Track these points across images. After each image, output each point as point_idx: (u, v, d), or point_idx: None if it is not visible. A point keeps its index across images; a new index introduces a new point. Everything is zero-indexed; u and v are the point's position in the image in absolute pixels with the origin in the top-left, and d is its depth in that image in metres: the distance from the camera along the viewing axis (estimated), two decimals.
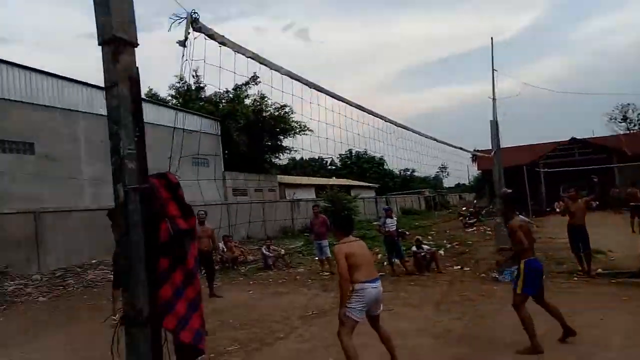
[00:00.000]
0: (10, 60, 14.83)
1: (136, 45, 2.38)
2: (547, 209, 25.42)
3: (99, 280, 11.78)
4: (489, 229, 18.73)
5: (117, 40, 2.26)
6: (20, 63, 15.18)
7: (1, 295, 10.09)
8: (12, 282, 10.97)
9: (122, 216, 2.22)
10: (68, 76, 16.84)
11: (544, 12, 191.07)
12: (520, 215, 15.60)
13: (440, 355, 5.11)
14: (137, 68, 2.39)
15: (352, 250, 4.43)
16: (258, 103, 27.89)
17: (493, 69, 17.42)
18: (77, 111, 16.80)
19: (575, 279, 8.68)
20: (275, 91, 4.23)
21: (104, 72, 2.31)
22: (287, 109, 27.38)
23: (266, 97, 27.18)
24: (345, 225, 4.77)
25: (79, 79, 17.13)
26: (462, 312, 6.76)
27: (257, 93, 27.68)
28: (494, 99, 17.04)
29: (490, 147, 15.67)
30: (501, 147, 17.51)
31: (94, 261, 13.51)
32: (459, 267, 10.91)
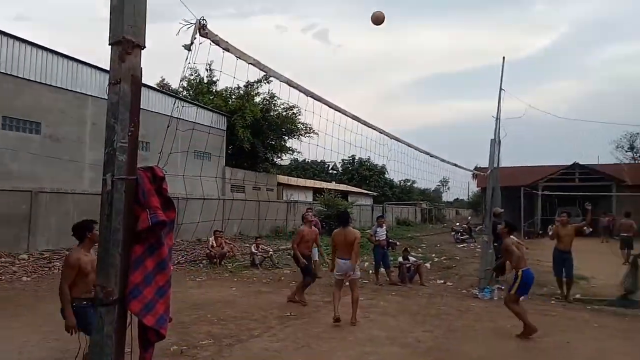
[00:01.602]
0: (25, 38, 14.93)
1: (143, 47, 2.61)
2: (540, 232, 25.58)
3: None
4: (479, 246, 18.88)
5: (126, 42, 2.47)
6: (35, 42, 15.30)
7: None
8: None
9: (108, 204, 2.44)
10: (82, 59, 17.06)
11: (563, 35, 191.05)
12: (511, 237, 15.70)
13: None
14: (141, 69, 2.61)
15: (335, 237, 7.07)
16: (267, 102, 28.13)
17: (501, 89, 17.64)
18: (87, 95, 17.06)
19: (553, 302, 8.87)
20: (285, 92, 4.37)
21: (110, 69, 2.53)
22: (295, 110, 27.66)
23: (276, 96, 27.38)
24: (341, 219, 7.29)
25: (92, 63, 17.39)
26: (436, 325, 6.94)
27: (267, 92, 27.92)
28: (497, 119, 17.24)
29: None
30: (501, 166, 17.68)
31: None
32: (442, 281, 11.10)
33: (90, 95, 17.11)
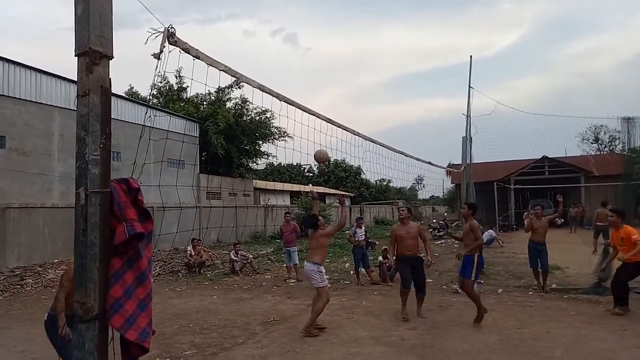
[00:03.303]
0: None
1: (111, 57, 2.54)
2: (514, 225, 26.15)
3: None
4: (456, 242, 19.16)
5: (93, 53, 2.40)
6: None
7: None
8: None
9: (82, 218, 2.37)
10: (46, 70, 16.61)
11: (529, 31, 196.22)
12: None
13: None
14: (110, 79, 2.55)
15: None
16: (240, 107, 27.92)
17: (470, 87, 17.98)
18: (54, 106, 16.61)
19: (531, 293, 9.06)
20: (257, 96, 4.36)
21: (78, 81, 2.46)
22: (268, 114, 27.53)
23: (248, 101, 27.13)
24: (307, 223, 6.94)
25: (57, 73, 16.93)
26: (420, 322, 6.99)
27: (239, 96, 27.73)
28: (468, 116, 17.58)
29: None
30: (474, 162, 17.98)
31: (56, 260, 13.25)
32: None
33: (57, 107, 16.66)
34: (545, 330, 6.28)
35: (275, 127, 28.68)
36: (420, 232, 7.47)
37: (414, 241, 7.33)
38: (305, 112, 5.48)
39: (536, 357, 5.28)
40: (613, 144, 48.63)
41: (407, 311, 7.19)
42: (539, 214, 9.69)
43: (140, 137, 3.52)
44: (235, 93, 27.62)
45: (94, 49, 2.38)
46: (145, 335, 2.32)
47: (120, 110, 18.90)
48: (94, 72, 2.42)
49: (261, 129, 28.66)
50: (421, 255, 7.55)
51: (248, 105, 27.56)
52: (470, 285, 6.85)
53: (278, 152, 37.03)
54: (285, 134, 27.52)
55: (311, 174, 50.13)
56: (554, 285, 9.47)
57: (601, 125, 49.66)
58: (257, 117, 28.37)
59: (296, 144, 6.16)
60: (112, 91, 2.62)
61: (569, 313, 7.33)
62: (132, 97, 25.92)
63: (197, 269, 12.48)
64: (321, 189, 39.03)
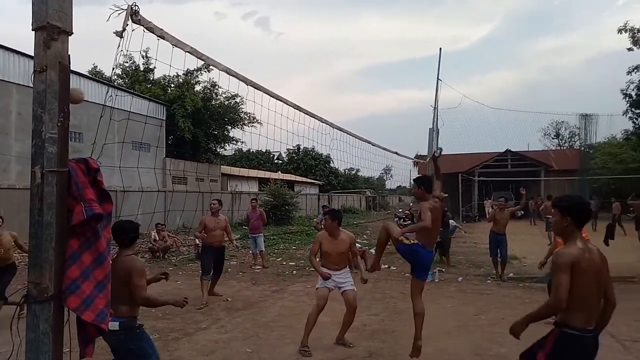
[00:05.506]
0: None
1: (70, 33, 2.45)
2: (477, 216, 26.92)
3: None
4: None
5: (51, 28, 2.31)
6: None
7: None
8: None
9: (38, 197, 2.30)
10: (3, 44, 15.79)
11: (500, 25, 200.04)
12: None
13: (352, 348, 5.41)
14: (69, 56, 2.46)
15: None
16: (208, 91, 27.42)
17: (438, 79, 18.28)
18: (11, 82, 15.85)
19: (489, 281, 9.40)
20: (225, 81, 4.25)
21: (35, 57, 2.37)
22: (237, 99, 27.17)
23: (217, 85, 26.73)
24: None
25: (16, 48, 16.13)
26: (382, 309, 7.16)
27: (208, 80, 27.21)
28: (435, 108, 17.89)
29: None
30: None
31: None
32: (386, 266, 11.39)
33: (15, 83, 15.91)
34: (501, 317, 6.53)
35: (245, 113, 28.39)
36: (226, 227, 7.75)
37: (222, 233, 7.74)
38: (272, 97, 5.42)
39: (491, 342, 5.50)
40: (572, 139, 50.59)
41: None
42: (502, 205, 10.01)
43: (101, 117, 3.41)
44: (204, 77, 27.13)
45: (52, 24, 2.29)
46: (102, 317, 2.29)
47: (83, 90, 18.24)
48: (52, 48, 2.33)
49: (230, 114, 28.29)
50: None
51: (217, 89, 27.16)
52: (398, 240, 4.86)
53: (247, 138, 36.87)
54: (255, 120, 27.30)
55: (280, 162, 49.98)
56: (511, 275, 9.84)
57: (562, 122, 51.59)
58: (227, 102, 27.97)
59: (265, 130, 6.10)
60: (75, 69, 2.54)
61: (523, 301, 7.64)
62: (96, 76, 25.05)
63: (161, 254, 12.31)
64: (289, 176, 38.98)
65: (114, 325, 3.25)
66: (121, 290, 3.34)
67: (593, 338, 2.80)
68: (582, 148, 26.99)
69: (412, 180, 6.42)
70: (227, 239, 8.35)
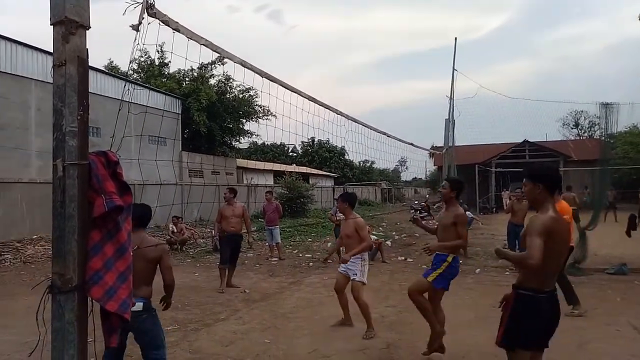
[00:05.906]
0: None
1: (88, 27, 2.47)
2: (494, 207, 26.62)
3: (39, 256, 11.45)
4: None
5: (69, 22, 2.33)
6: None
7: None
8: None
9: (60, 190, 2.33)
10: (24, 41, 16.05)
11: (515, 14, 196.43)
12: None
13: (370, 340, 5.42)
14: (87, 50, 2.48)
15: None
16: (223, 84, 27.51)
17: (454, 69, 18.04)
18: (30, 79, 16.13)
19: (507, 273, 9.29)
20: (240, 73, 4.25)
21: (54, 51, 2.39)
22: (252, 92, 27.23)
23: (231, 78, 26.76)
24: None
25: (36, 45, 16.39)
26: (399, 300, 7.12)
27: (222, 73, 27.30)
28: (451, 99, 17.67)
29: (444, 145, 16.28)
30: (457, 145, 18.10)
31: (35, 236, 13.06)
32: (403, 258, 11.38)
33: (34, 79, 16.18)
34: None
35: (259, 106, 28.44)
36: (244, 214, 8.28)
37: (239, 220, 8.20)
38: (288, 89, 5.40)
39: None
40: (592, 129, 49.56)
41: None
42: (520, 197, 9.88)
43: (119, 111, 3.45)
44: (219, 70, 27.22)
45: (70, 18, 2.31)
46: (125, 307, 2.33)
47: (99, 85, 18.46)
48: (70, 42, 2.35)
49: (244, 107, 28.36)
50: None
51: (231, 82, 27.23)
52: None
53: (262, 131, 37.14)
54: (269, 113, 27.33)
55: (295, 154, 50.05)
56: None
57: (581, 111, 50.56)
58: (241, 95, 28.03)
59: (280, 123, 6.09)
60: (92, 64, 2.56)
61: None
62: (112, 71, 25.32)
63: (179, 247, 12.46)
64: (304, 169, 39.03)
65: (138, 306, 3.32)
66: (145, 271, 3.51)
67: (548, 299, 2.99)
68: (603, 138, 26.42)
69: (444, 179, 5.83)
70: (245, 230, 8.52)
